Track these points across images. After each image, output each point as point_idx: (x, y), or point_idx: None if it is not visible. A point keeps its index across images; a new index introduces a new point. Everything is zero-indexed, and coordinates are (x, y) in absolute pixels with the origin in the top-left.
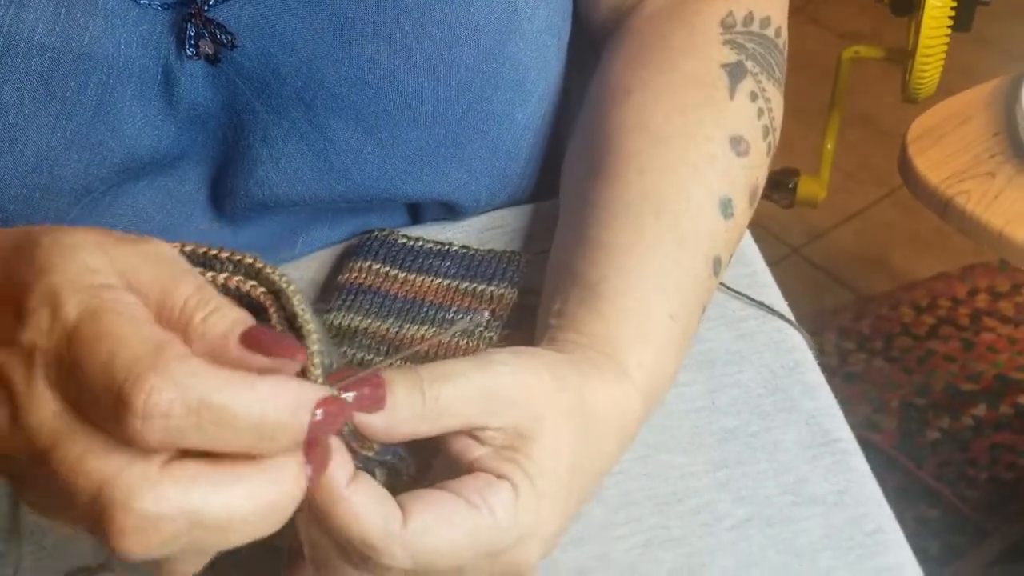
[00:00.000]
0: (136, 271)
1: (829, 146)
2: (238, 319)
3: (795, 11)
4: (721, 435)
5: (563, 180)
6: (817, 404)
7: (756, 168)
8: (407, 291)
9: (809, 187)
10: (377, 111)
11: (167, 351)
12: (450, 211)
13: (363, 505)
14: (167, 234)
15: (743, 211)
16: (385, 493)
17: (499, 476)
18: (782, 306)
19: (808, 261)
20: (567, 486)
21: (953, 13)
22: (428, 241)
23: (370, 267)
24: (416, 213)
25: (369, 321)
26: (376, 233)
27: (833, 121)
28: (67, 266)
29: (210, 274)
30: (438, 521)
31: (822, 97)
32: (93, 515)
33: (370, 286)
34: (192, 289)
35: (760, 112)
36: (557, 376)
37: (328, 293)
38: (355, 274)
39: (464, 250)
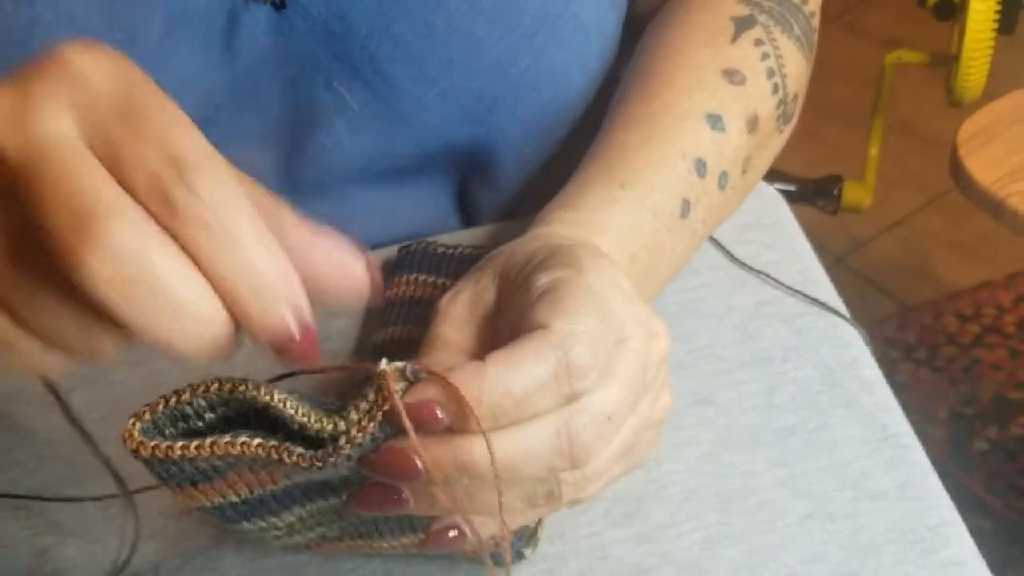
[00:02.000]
0: None
1: (874, 152)
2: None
3: (832, 20)
4: (780, 432)
5: None
6: (875, 399)
7: (754, 99)
8: None
9: (854, 193)
10: (441, 59)
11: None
12: (495, 178)
13: (507, 351)
14: None
15: (739, 132)
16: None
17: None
18: (836, 302)
19: (851, 270)
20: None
21: (997, 16)
22: (467, 247)
23: (416, 279)
24: (463, 194)
25: (424, 331)
26: (414, 245)
27: (877, 127)
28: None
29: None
30: (554, 304)
31: (862, 105)
32: (69, 222)
33: (420, 297)
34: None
35: (764, 55)
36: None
37: (375, 309)
38: (401, 287)
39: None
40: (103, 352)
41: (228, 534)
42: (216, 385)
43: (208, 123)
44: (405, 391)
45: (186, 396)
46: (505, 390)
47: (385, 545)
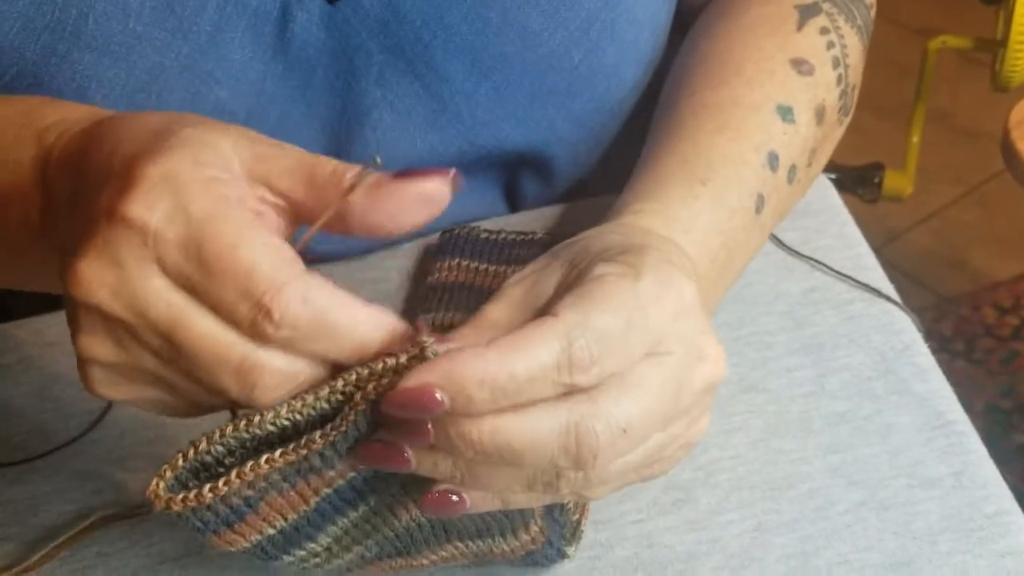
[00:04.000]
0: (274, 159)
1: (915, 139)
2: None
3: None
4: (832, 419)
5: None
6: (929, 386)
7: (821, 88)
8: (500, 282)
9: (895, 181)
10: (494, 53)
11: (296, 266)
12: (546, 172)
13: (512, 336)
14: None
15: (807, 123)
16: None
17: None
18: (888, 288)
19: (887, 261)
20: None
21: None
22: (510, 232)
23: (459, 264)
24: (512, 187)
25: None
26: (457, 231)
27: (919, 114)
28: (191, 154)
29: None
30: (579, 296)
31: (900, 94)
32: (236, 379)
33: (463, 282)
34: (335, 162)
35: (830, 44)
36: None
37: (418, 294)
38: (445, 272)
39: (548, 237)
40: None
41: None
42: (230, 427)
43: (258, 116)
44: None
45: (203, 446)
46: (506, 373)
47: (425, 561)
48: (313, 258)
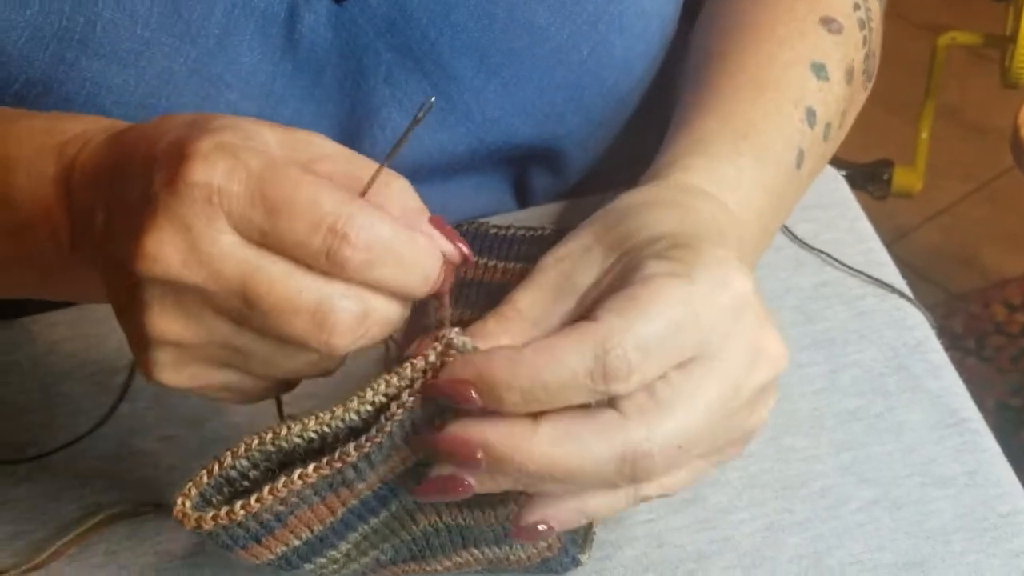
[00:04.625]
0: (314, 145)
1: (924, 135)
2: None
3: None
4: (843, 416)
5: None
6: (942, 383)
7: (850, 48)
8: (509, 279)
9: (905, 178)
10: (502, 49)
11: (358, 197)
12: (556, 166)
13: (547, 339)
14: None
15: (839, 82)
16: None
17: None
18: (900, 284)
19: (897, 258)
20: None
21: None
22: (519, 228)
23: None
24: (522, 182)
25: (479, 313)
26: (465, 227)
27: (928, 110)
28: (236, 134)
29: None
30: (625, 299)
31: (909, 90)
32: (313, 325)
33: (472, 279)
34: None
35: (856, 5)
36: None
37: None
38: None
39: (557, 233)
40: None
41: None
42: (256, 440)
43: (269, 117)
44: (438, 361)
45: (228, 461)
46: (537, 379)
47: (439, 567)
48: None
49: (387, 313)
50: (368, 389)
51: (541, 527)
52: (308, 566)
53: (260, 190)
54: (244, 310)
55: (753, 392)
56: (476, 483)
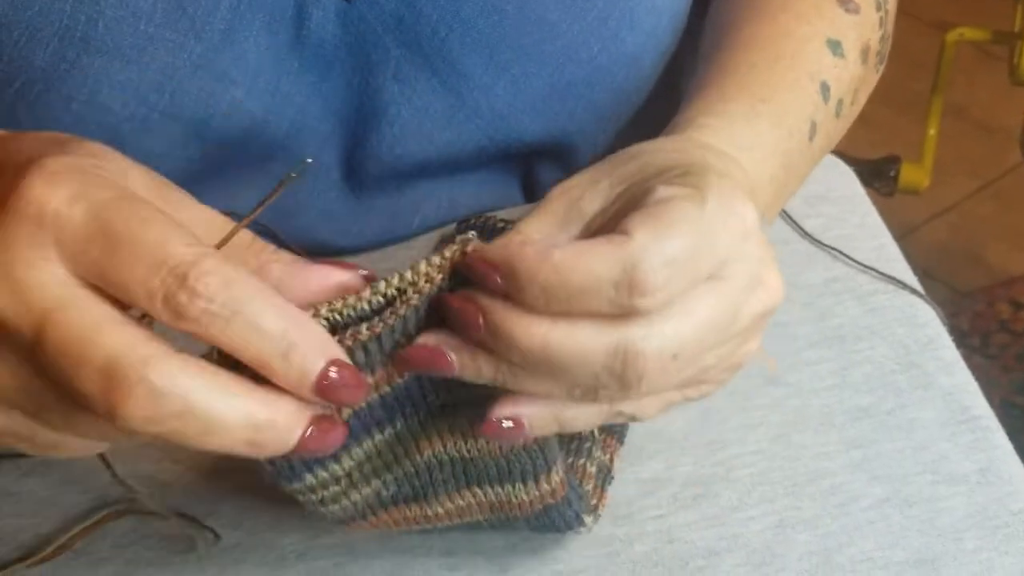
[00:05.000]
0: (185, 207)
1: (932, 132)
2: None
3: None
4: (854, 413)
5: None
6: (954, 380)
7: (866, 28)
8: None
9: (912, 174)
10: (512, 45)
11: (212, 250)
12: (565, 162)
13: (581, 243)
14: (296, 207)
15: (854, 60)
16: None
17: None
18: (912, 280)
19: (903, 255)
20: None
21: None
22: None
23: None
24: (529, 177)
25: None
26: (473, 220)
27: (936, 107)
28: (94, 162)
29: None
30: (652, 217)
31: (915, 88)
32: (101, 384)
33: None
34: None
35: None
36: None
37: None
38: None
39: None
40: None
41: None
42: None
43: (275, 115)
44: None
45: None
46: (562, 278)
47: (440, 510)
48: (331, 252)
49: (209, 407)
50: (382, 281)
51: (507, 423)
52: (309, 478)
53: (102, 220)
54: (36, 352)
55: (750, 319)
56: (458, 362)
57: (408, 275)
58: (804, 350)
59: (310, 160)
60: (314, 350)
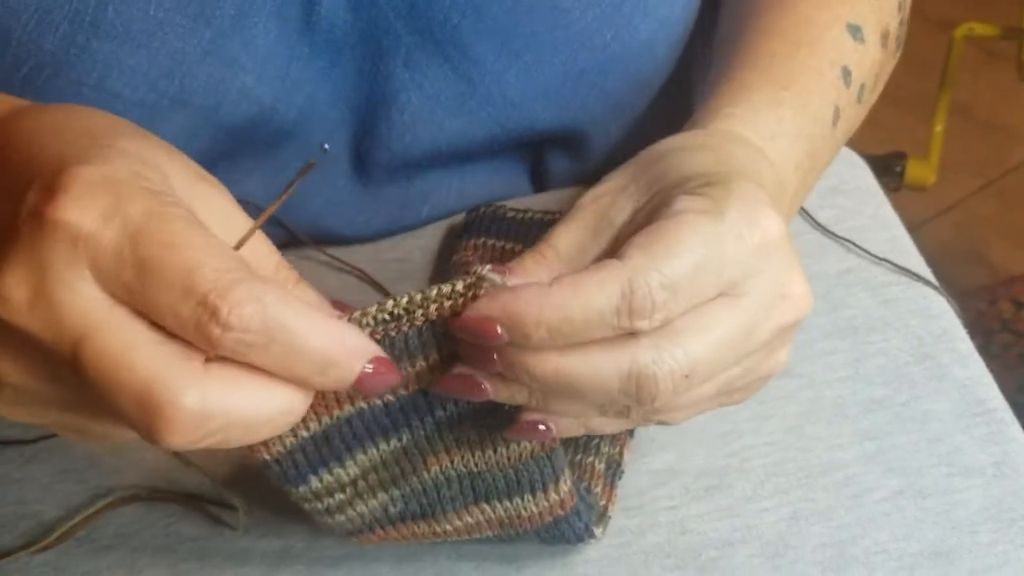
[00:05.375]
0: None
1: (938, 128)
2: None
3: None
4: (868, 405)
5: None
6: (969, 372)
7: (885, 13)
8: None
9: (918, 170)
10: (525, 32)
11: (248, 269)
12: (576, 151)
13: (574, 277)
14: (304, 196)
15: (875, 45)
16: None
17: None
18: (925, 272)
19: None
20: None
21: None
22: (536, 212)
23: (484, 243)
24: (540, 166)
25: None
26: (483, 210)
27: (942, 103)
28: (129, 164)
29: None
30: (652, 236)
31: (920, 87)
32: (139, 411)
33: (489, 262)
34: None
35: None
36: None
37: (444, 272)
38: (470, 252)
39: None
40: None
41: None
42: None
43: (284, 101)
44: (468, 293)
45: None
46: (562, 316)
47: (449, 527)
48: (338, 241)
49: (249, 414)
50: (389, 300)
51: (541, 426)
52: (315, 481)
53: (134, 243)
54: (74, 372)
55: (771, 334)
56: (491, 388)
57: (417, 297)
58: (818, 341)
59: (327, 148)
60: (351, 357)
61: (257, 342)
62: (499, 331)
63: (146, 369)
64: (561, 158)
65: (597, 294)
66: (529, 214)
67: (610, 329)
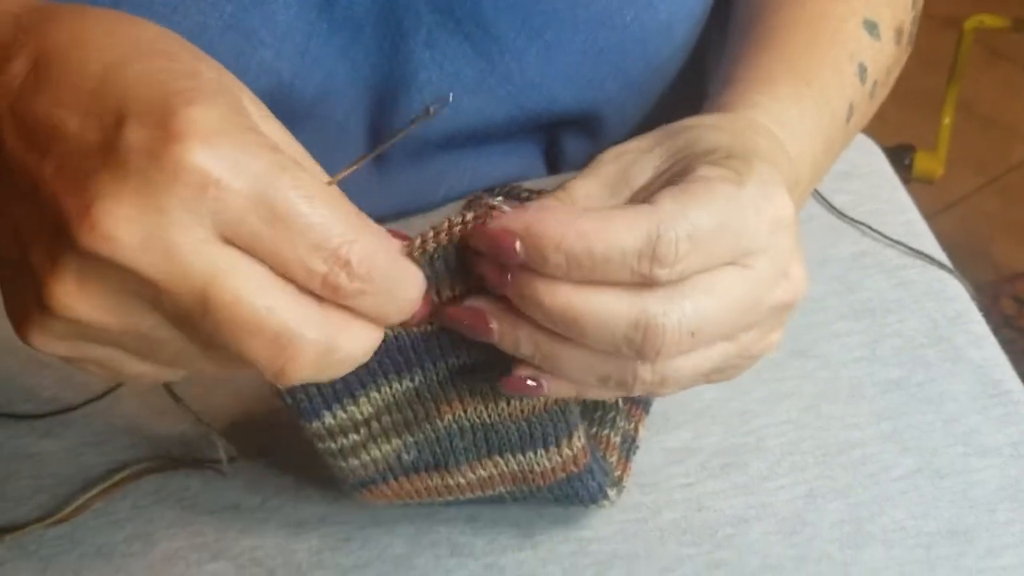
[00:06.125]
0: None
1: (947, 121)
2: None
3: None
4: (884, 386)
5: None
6: (984, 354)
7: (899, 9)
8: None
9: (926, 162)
10: (545, 10)
11: (362, 216)
12: (592, 134)
13: (606, 211)
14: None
15: (889, 40)
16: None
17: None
18: (940, 255)
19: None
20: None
21: None
22: (551, 191)
23: None
24: (555, 148)
25: None
26: (498, 189)
27: (951, 96)
28: (231, 95)
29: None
30: (682, 192)
31: (925, 82)
32: (270, 351)
33: None
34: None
35: None
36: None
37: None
38: None
39: None
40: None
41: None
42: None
43: (303, 77)
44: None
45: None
46: (586, 246)
47: (462, 480)
48: None
49: (352, 350)
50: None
51: (531, 382)
52: (328, 417)
53: (266, 194)
54: (195, 314)
55: (771, 310)
56: (497, 329)
57: (428, 233)
58: (833, 322)
59: (451, 96)
60: (418, 300)
61: (374, 293)
62: (517, 247)
63: (279, 312)
64: (577, 141)
65: (624, 232)
66: (545, 193)
67: (628, 272)
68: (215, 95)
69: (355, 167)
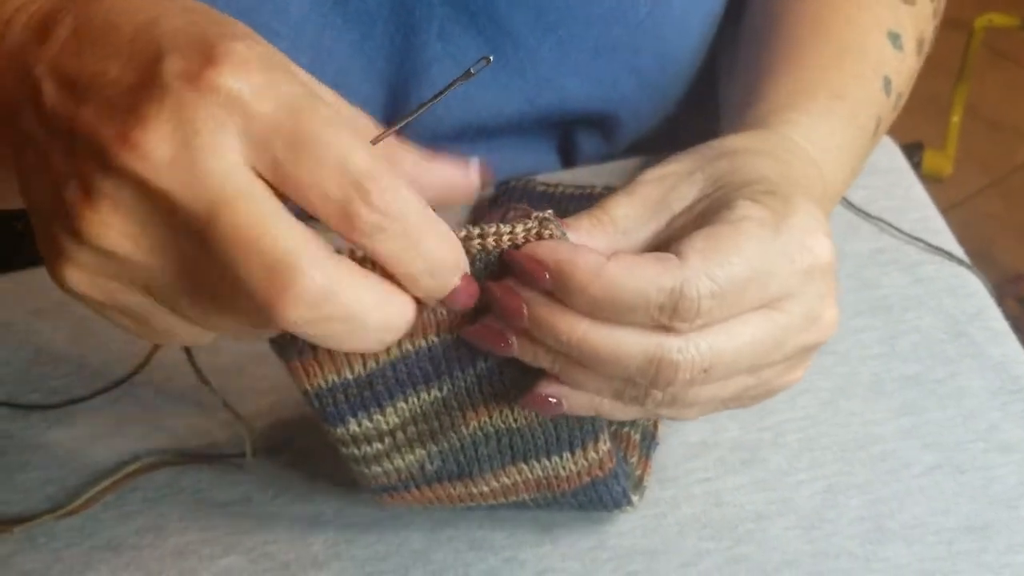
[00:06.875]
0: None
1: (955, 119)
2: None
3: None
4: (903, 382)
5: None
6: (1004, 350)
7: (921, 20)
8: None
9: (935, 160)
10: (559, 5)
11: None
12: (606, 132)
13: (634, 260)
14: None
15: (911, 52)
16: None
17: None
18: (958, 251)
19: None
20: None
21: None
22: (568, 186)
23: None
24: (568, 146)
25: None
26: (513, 183)
27: (960, 94)
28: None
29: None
30: (712, 240)
31: (931, 84)
32: (266, 279)
33: None
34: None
35: None
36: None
37: None
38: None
39: (606, 191)
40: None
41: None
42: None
43: (317, 71)
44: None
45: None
46: (611, 295)
47: (485, 488)
48: None
49: (353, 304)
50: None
51: (552, 399)
52: (352, 425)
53: (292, 118)
54: (204, 234)
55: (795, 350)
56: (517, 345)
57: (474, 231)
58: (851, 319)
59: (491, 58)
60: (455, 267)
61: (391, 231)
62: (546, 277)
63: (284, 239)
64: (590, 139)
65: (649, 286)
66: (560, 188)
67: (650, 321)
68: (255, 37)
69: (394, 128)
